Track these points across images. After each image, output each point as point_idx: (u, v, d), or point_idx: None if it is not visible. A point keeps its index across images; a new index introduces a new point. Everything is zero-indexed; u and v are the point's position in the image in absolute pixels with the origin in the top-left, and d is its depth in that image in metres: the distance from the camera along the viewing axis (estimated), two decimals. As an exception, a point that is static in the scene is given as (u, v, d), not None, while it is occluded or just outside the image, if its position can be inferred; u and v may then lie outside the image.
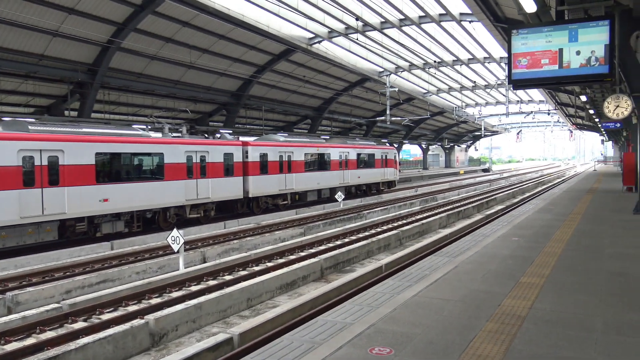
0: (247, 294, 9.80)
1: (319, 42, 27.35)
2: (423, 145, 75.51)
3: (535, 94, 47.42)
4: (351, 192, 32.29)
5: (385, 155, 35.97)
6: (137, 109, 28.69)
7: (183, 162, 19.35)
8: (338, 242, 16.04)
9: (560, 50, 9.71)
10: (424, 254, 12.82)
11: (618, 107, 13.52)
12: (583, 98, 23.81)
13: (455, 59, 33.36)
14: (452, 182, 50.24)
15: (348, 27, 25.60)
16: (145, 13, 20.42)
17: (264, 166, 23.84)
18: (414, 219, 21.51)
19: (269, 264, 12.97)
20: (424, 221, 19.43)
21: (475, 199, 30.28)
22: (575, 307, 5.95)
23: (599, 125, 36.25)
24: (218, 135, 22.82)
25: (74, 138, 15.69)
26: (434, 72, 36.93)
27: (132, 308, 9.42)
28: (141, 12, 20.36)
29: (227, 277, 11.67)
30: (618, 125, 27.65)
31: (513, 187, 41.07)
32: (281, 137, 27.26)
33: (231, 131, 27.13)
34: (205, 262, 13.69)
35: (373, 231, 18.23)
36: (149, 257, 13.76)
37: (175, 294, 10.29)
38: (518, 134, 69.56)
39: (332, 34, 26.54)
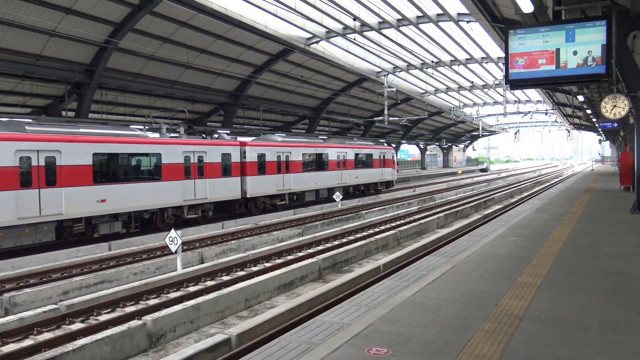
0: (245, 294, 9.79)
1: (317, 42, 27.36)
2: (421, 145, 75.59)
3: (533, 93, 47.48)
4: (349, 192, 32.29)
5: (383, 155, 35.99)
6: (134, 109, 28.66)
7: (181, 163, 19.33)
8: (336, 242, 16.04)
9: (557, 51, 9.72)
10: (422, 253, 12.84)
11: (615, 107, 13.55)
12: (580, 98, 23.84)
13: (453, 59, 33.38)
14: (450, 182, 50.27)
15: (346, 27, 25.61)
16: (143, 13, 20.40)
17: (261, 166, 23.83)
18: (412, 219, 21.53)
19: (267, 265, 12.97)
20: (421, 221, 19.45)
21: (473, 198, 30.31)
22: (573, 306, 5.96)
23: (597, 125, 36.31)
24: (216, 136, 22.80)
25: (71, 138, 15.66)
26: (432, 72, 36.96)
27: (130, 309, 9.40)
28: (139, 12, 20.34)
29: (225, 278, 11.66)
30: (615, 125, 27.70)
31: (511, 186, 41.13)
32: (279, 137, 27.26)
33: (229, 131, 27.11)
34: (203, 262, 13.68)
35: (371, 231, 18.24)
36: (147, 257, 13.74)
37: (173, 295, 10.28)
38: (516, 133, 69.71)
39: (329, 34, 26.55)
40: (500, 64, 32.45)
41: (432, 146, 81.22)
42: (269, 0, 20.32)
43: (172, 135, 20.67)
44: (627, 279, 7.18)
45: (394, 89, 36.32)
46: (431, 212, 23.47)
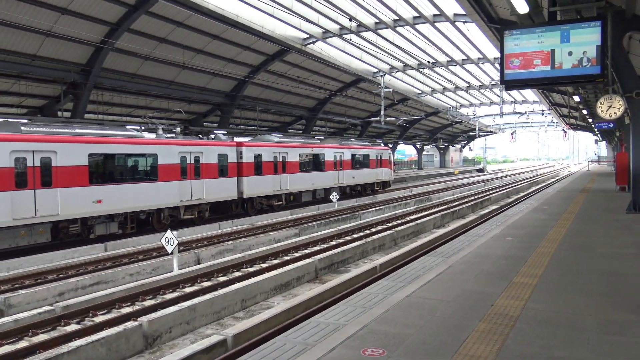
0: (241, 295, 9.78)
1: (313, 42, 27.37)
2: (418, 146, 75.67)
3: (529, 94, 47.64)
4: (346, 192, 32.30)
5: (380, 156, 36.02)
6: (130, 110, 28.59)
7: (177, 163, 19.29)
8: (333, 243, 16.03)
9: (552, 51, 9.75)
10: (418, 254, 12.84)
11: (611, 108, 13.59)
12: (576, 98, 23.94)
13: (449, 59, 33.46)
14: (447, 182, 50.35)
15: (342, 27, 25.62)
16: (139, 13, 20.36)
17: (258, 167, 23.82)
18: (408, 219, 21.55)
19: (264, 265, 12.95)
20: (418, 221, 19.47)
21: (469, 199, 30.36)
22: (568, 306, 5.97)
23: (593, 126, 36.49)
24: (212, 136, 22.77)
25: (66, 139, 15.61)
26: (428, 73, 37.02)
27: (126, 310, 9.37)
28: (135, 12, 20.30)
29: (222, 279, 11.64)
30: (611, 125, 27.80)
31: (507, 187, 41.23)
32: (275, 138, 27.25)
33: (225, 132, 27.12)
34: (199, 263, 13.65)
35: (368, 231, 18.25)
36: (143, 258, 13.71)
37: (169, 296, 10.26)
38: (512, 134, 69.90)
39: (326, 34, 26.56)
40: (497, 65, 32.54)
41: (428, 146, 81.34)
42: (266, 1, 20.30)
43: (169, 135, 20.61)
44: (622, 279, 7.20)
45: (391, 90, 36.37)
46: (428, 213, 23.49)
